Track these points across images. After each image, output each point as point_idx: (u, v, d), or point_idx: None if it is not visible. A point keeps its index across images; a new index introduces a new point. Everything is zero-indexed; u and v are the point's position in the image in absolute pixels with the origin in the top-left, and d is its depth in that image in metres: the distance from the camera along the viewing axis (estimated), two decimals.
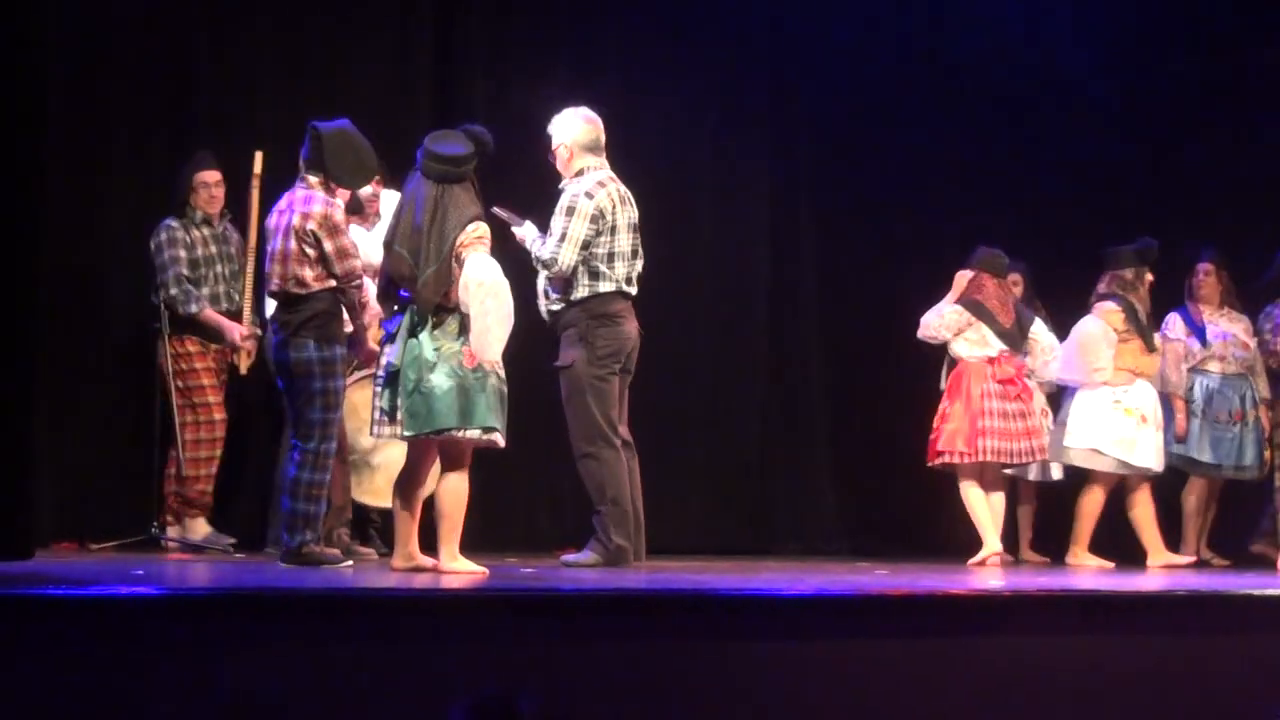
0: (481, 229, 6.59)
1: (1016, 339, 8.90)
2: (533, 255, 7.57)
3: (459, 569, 6.57)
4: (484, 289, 6.42)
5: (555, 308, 7.59)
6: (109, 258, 8.64)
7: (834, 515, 10.44)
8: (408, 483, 6.71)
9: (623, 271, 7.57)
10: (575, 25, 9.91)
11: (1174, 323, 9.46)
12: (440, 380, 6.43)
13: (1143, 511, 9.16)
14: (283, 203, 7.04)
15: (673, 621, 5.35)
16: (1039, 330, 9.00)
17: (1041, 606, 6.13)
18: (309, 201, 6.91)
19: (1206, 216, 10.11)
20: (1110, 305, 9.07)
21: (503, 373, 6.56)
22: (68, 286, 8.13)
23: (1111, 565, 8.96)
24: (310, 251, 6.83)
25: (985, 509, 8.81)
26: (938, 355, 9.33)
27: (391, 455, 7.52)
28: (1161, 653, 5.96)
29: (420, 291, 6.52)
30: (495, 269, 6.50)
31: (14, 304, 5.04)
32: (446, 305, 6.53)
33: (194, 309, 8.14)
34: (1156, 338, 9.24)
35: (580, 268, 7.52)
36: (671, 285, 9.91)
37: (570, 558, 7.46)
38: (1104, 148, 10.59)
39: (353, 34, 9.23)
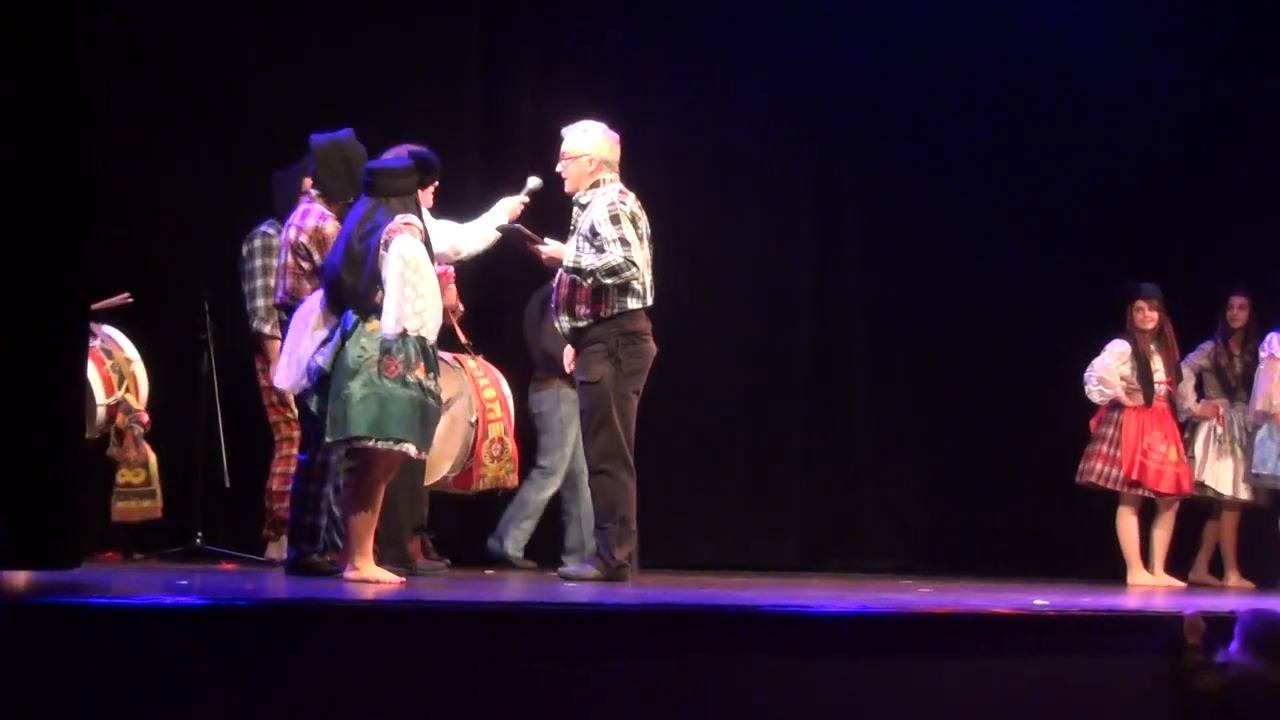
0: (410, 219, 6.47)
1: None
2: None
3: (369, 577, 6.42)
4: (402, 261, 6.31)
5: (581, 324, 7.31)
6: (155, 271, 8.60)
7: (879, 532, 10.40)
8: (358, 489, 6.56)
9: (649, 282, 7.34)
10: (623, 44, 9.91)
11: (1277, 342, 9.15)
12: (356, 388, 6.35)
13: None
14: (293, 217, 7.08)
15: (714, 637, 5.32)
16: None
17: (1090, 627, 6.07)
18: (305, 215, 7.00)
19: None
20: None
21: (430, 384, 6.41)
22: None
23: None
24: (305, 265, 6.89)
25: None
26: (983, 374, 9.27)
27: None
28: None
29: (352, 287, 6.42)
30: (419, 248, 6.38)
31: (65, 316, 5.06)
32: (375, 304, 6.41)
33: (265, 330, 7.88)
34: None
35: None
36: (714, 298, 9.92)
37: (570, 571, 7.36)
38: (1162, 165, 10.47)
39: (402, 46, 9.25)
